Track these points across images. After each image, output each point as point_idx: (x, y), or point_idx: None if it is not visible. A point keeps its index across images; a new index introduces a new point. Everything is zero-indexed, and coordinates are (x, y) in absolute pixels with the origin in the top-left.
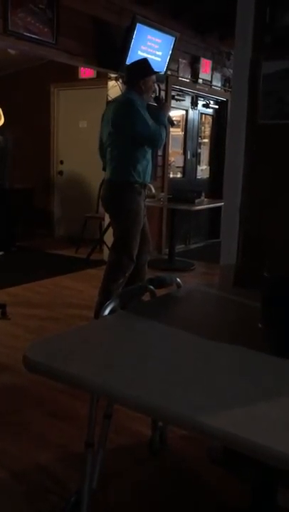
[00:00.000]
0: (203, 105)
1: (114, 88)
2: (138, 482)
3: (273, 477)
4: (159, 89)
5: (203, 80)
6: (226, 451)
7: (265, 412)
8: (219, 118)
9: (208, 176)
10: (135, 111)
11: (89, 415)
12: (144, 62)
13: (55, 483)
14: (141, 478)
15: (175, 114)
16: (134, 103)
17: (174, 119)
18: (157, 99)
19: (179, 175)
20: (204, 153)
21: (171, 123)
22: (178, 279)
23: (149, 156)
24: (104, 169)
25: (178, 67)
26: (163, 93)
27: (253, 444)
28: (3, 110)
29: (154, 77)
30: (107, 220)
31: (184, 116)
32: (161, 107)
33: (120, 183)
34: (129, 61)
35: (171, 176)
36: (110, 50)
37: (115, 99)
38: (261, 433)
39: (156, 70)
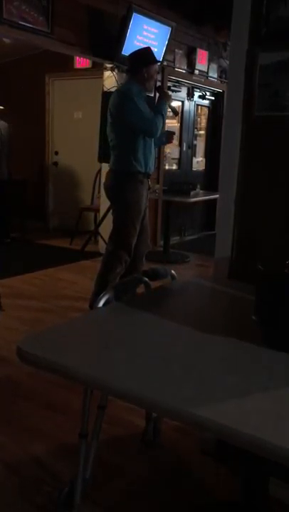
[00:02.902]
0: (200, 96)
1: (110, 78)
2: (130, 473)
3: (266, 468)
4: (155, 81)
5: (199, 71)
6: (218, 443)
7: (257, 404)
8: (215, 109)
9: (203, 167)
10: (129, 101)
11: (83, 407)
12: (147, 50)
13: (49, 475)
14: (133, 469)
15: (171, 105)
16: (129, 92)
17: (169, 110)
18: (159, 88)
19: (174, 167)
20: (200, 145)
21: (175, 112)
22: (173, 271)
23: (150, 145)
24: (99, 160)
25: (174, 58)
26: (158, 84)
27: (246, 436)
28: None
29: (156, 66)
30: (102, 211)
31: (180, 108)
32: (162, 95)
33: (122, 173)
34: (125, 51)
35: (166, 167)
36: (106, 40)
37: (116, 90)
38: (254, 425)
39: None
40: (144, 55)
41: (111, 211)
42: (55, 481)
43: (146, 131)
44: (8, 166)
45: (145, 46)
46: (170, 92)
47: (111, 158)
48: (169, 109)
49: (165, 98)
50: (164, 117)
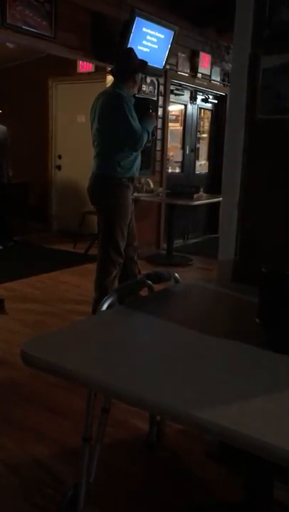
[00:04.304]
0: (202, 100)
1: None
2: (134, 476)
3: (269, 471)
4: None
5: (202, 74)
6: (221, 446)
7: (260, 406)
8: (218, 113)
9: (206, 171)
10: (124, 108)
11: (86, 410)
12: (135, 54)
13: (52, 478)
14: (137, 473)
15: (174, 108)
16: (125, 100)
17: (172, 113)
18: (147, 107)
19: (177, 170)
20: (203, 148)
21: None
22: (176, 274)
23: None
24: None
25: (177, 62)
26: (162, 87)
27: (248, 439)
28: (0, 104)
29: None
30: None
31: (183, 111)
32: (150, 115)
33: (107, 177)
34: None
35: (169, 170)
36: (109, 44)
37: (104, 93)
38: (256, 427)
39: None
40: (135, 60)
41: (97, 216)
42: (55, 482)
43: (132, 144)
44: (8, 169)
45: (128, 48)
46: (154, 113)
47: (95, 162)
48: None
49: (152, 119)
50: (149, 135)
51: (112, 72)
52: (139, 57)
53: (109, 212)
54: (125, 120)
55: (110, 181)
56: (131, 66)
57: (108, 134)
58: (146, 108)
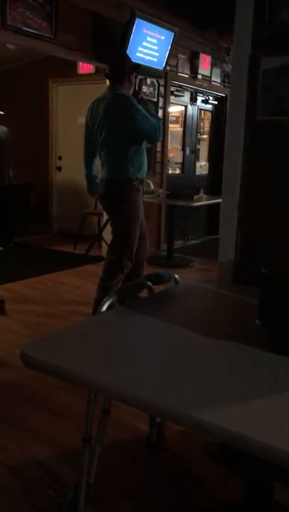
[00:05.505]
0: (203, 101)
1: None
2: (134, 477)
3: (270, 473)
4: (140, 83)
5: (202, 75)
6: (222, 447)
7: (260, 408)
8: (218, 114)
9: (207, 172)
10: (135, 105)
11: (86, 411)
12: (128, 57)
13: (52, 479)
14: (137, 474)
15: (174, 109)
16: (130, 98)
17: (172, 115)
18: (137, 94)
19: (177, 171)
20: (203, 149)
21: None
22: (176, 276)
23: (144, 151)
24: (86, 165)
25: (177, 63)
26: (162, 89)
27: (248, 440)
28: (1, 105)
29: None
30: (105, 216)
31: (183, 112)
32: (146, 102)
33: (119, 181)
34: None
35: (169, 172)
36: (109, 45)
37: (104, 97)
38: (257, 429)
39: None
40: (129, 62)
41: (110, 221)
42: (56, 483)
43: (153, 136)
44: (9, 171)
45: (122, 51)
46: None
47: (105, 167)
48: None
49: (149, 104)
50: (159, 121)
51: (107, 75)
52: (140, 58)
53: (122, 216)
54: (141, 116)
55: (122, 185)
56: (126, 67)
57: (120, 139)
58: (136, 97)
